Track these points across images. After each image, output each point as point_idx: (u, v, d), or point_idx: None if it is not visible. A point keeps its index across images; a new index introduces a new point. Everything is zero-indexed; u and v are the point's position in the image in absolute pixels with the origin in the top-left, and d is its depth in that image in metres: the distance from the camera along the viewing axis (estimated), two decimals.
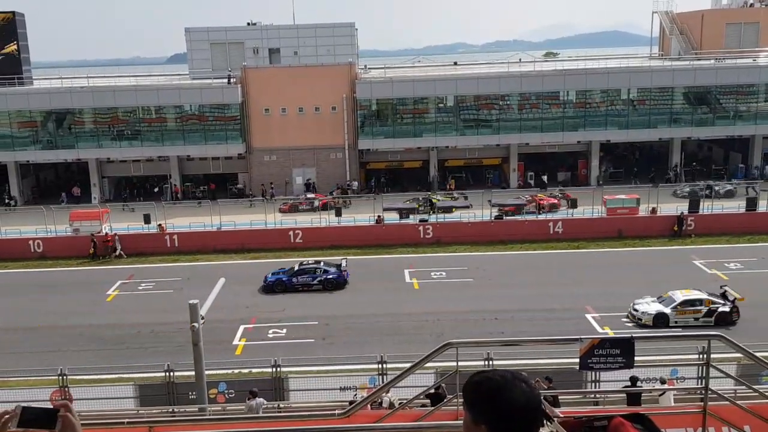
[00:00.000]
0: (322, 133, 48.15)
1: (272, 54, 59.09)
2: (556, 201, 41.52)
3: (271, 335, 25.59)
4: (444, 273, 32.14)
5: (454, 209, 40.49)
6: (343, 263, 31.26)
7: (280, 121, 48.34)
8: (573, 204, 40.45)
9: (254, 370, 20.55)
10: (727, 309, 24.69)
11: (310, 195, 45.38)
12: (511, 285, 30.23)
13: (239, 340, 25.16)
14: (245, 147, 48.53)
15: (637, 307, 25.46)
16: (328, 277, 30.22)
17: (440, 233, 37.32)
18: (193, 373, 15.48)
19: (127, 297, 30.78)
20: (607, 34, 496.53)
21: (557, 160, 51.23)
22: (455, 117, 48.45)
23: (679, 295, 25.40)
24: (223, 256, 36.02)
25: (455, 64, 58.81)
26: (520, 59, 56.17)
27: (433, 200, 42.13)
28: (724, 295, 25.31)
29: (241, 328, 26.19)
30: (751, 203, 37.81)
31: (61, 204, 46.03)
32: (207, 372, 15.51)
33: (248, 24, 61.32)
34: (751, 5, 59.65)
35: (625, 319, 25.65)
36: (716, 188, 41.31)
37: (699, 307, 24.84)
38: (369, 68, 54.88)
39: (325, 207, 42.26)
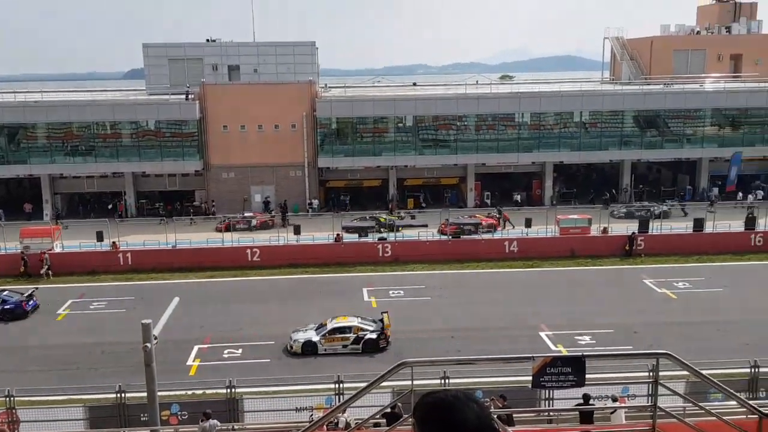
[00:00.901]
0: (282, 151, 48.05)
1: (232, 71, 58.81)
2: (494, 221, 42.15)
3: (226, 355, 25.27)
4: (402, 291, 32.28)
5: (401, 228, 40.69)
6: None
7: (239, 138, 48.09)
8: (510, 224, 41.45)
9: (208, 391, 20.25)
10: (374, 336, 24.86)
11: (248, 213, 44.94)
12: (467, 303, 30.52)
13: (193, 361, 24.77)
14: (203, 164, 48.07)
15: (292, 335, 25.30)
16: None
17: (399, 252, 37.50)
18: (145, 394, 15.20)
19: (78, 316, 30.04)
20: (561, 58, 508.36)
21: (513, 180, 52.11)
22: (414, 137, 48.95)
23: (333, 323, 25.42)
24: (178, 274, 35.48)
25: (414, 84, 59.48)
26: (477, 81, 57.13)
27: (381, 219, 42.37)
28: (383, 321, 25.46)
29: (196, 348, 25.79)
30: (698, 224, 39.04)
31: None
32: (160, 393, 15.23)
33: (207, 41, 60.99)
34: (698, 33, 62.10)
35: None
36: (653, 209, 42.67)
37: (347, 335, 24.95)
38: (329, 87, 55.15)
39: (264, 226, 42.03)
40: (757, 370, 19.54)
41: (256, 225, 42.78)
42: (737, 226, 39.44)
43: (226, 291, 33.14)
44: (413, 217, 43.35)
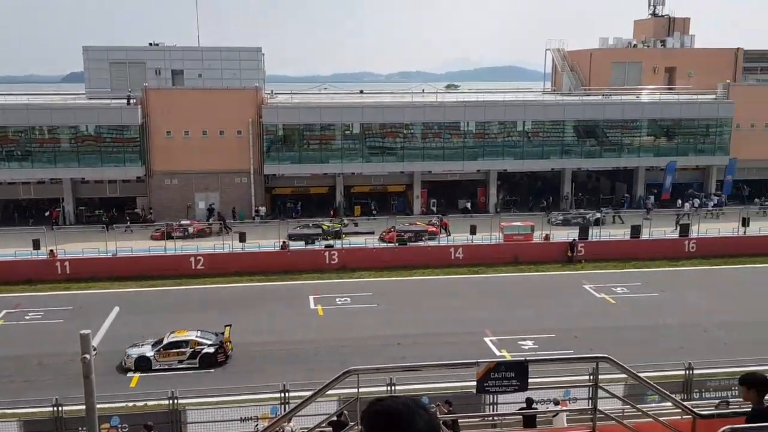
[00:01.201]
0: (227, 158, 47.43)
1: (175, 76, 57.89)
2: (435, 229, 42.49)
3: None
4: (349, 299, 32.26)
5: (344, 235, 40.65)
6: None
7: (182, 144, 47.24)
8: (448, 231, 41.93)
9: (150, 403, 19.80)
10: (212, 350, 24.38)
11: (185, 222, 44.03)
12: (414, 310, 30.74)
13: (134, 372, 24.15)
14: (145, 170, 47.02)
15: (128, 350, 24.32)
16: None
17: (346, 259, 37.49)
18: (83, 407, 14.73)
19: (13, 327, 28.90)
20: (504, 69, 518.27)
21: (459, 187, 52.80)
22: (361, 144, 49.07)
23: (169, 337, 24.72)
24: (118, 283, 34.57)
25: (361, 92, 59.67)
26: (423, 90, 57.76)
27: (324, 226, 42.31)
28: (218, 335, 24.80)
29: None
30: (636, 231, 40.35)
31: None
32: (99, 405, 14.74)
33: (150, 44, 59.90)
34: (635, 46, 64.35)
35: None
36: (588, 216, 44.00)
37: (184, 349, 24.28)
38: (275, 93, 54.76)
39: (201, 234, 41.33)
40: (691, 372, 20.29)
41: (193, 233, 41.87)
42: (672, 233, 40.92)
43: (169, 300, 32.48)
44: (356, 225, 43.41)
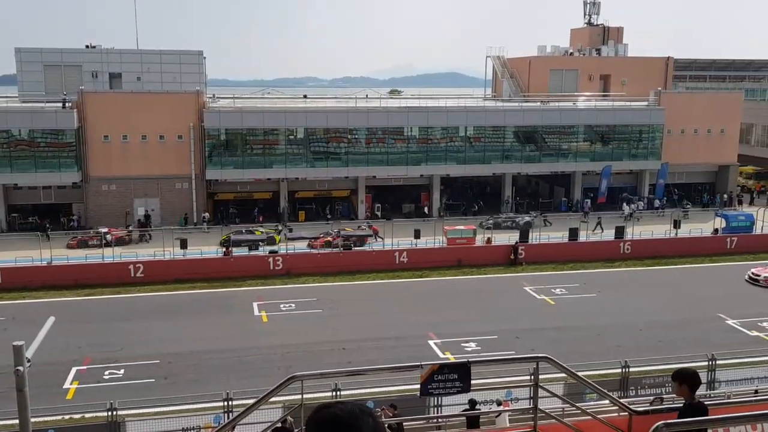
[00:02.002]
0: (167, 163, 46.48)
1: (113, 79, 56.47)
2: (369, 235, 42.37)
3: (107, 377, 24.05)
4: (293, 305, 32.06)
5: (280, 241, 40.26)
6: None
7: (120, 149, 46.05)
8: (376, 237, 42.06)
9: (87, 415, 19.24)
10: None
11: (103, 229, 42.63)
12: (358, 314, 30.80)
13: (71, 384, 23.40)
14: (81, 176, 45.60)
15: None
16: None
17: (290, 264, 37.24)
18: (17, 421, 14.21)
19: None
20: (446, 75, 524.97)
21: (403, 192, 53.17)
22: (305, 149, 48.87)
23: None
24: (54, 292, 33.42)
25: (305, 97, 59.42)
26: (366, 95, 57.93)
27: (257, 232, 41.89)
28: None
29: (74, 370, 24.38)
30: (573, 234, 41.47)
31: None
32: (33, 419, 14.27)
33: (87, 47, 58.27)
34: (571, 54, 66.22)
35: None
36: (517, 220, 44.98)
37: None
38: (217, 97, 54.00)
39: (119, 242, 40.12)
40: (627, 370, 20.99)
41: (111, 240, 40.58)
42: (608, 235, 42.21)
43: (107, 309, 31.60)
44: (290, 230, 42.93)
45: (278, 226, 44.22)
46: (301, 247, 39.93)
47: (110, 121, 45.45)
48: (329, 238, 40.58)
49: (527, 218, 46.58)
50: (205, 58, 60.08)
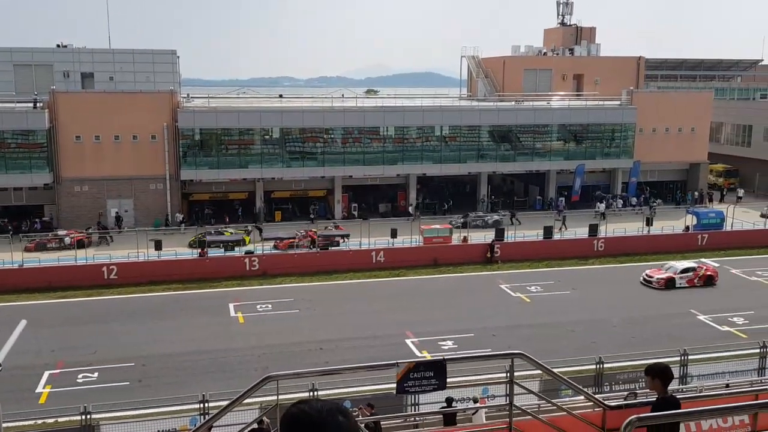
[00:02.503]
0: (141, 163, 45.96)
1: (85, 78, 55.76)
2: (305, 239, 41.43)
3: (80, 380, 23.75)
4: (270, 305, 31.93)
5: (249, 242, 39.74)
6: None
7: (93, 150, 45.43)
8: (347, 237, 41.54)
9: (61, 419, 18.96)
10: None
11: (61, 232, 41.72)
12: (335, 314, 30.78)
13: (44, 388, 23.06)
14: (53, 177, 44.91)
15: None
16: None
17: (267, 265, 37.07)
18: None
19: None
20: (422, 74, 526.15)
21: (379, 192, 53.21)
22: (281, 149, 48.66)
23: None
24: (25, 295, 32.90)
25: (280, 96, 59.18)
26: (342, 95, 57.88)
27: (226, 233, 41.45)
28: None
29: (46, 374, 24.03)
30: (548, 232, 41.86)
31: None
32: (5, 424, 14.11)
33: (58, 46, 57.46)
34: (545, 54, 66.78)
35: None
36: (486, 219, 45.22)
37: None
38: (192, 97, 53.54)
39: (80, 244, 39.35)
40: (601, 366, 21.28)
41: (71, 243, 39.66)
42: (582, 233, 42.67)
43: (80, 312, 31.19)
44: (261, 231, 42.56)
45: (248, 227, 43.80)
46: (268, 248, 39.55)
47: (82, 121, 44.83)
48: (295, 239, 40.09)
49: (496, 217, 46.91)
50: (178, 57, 59.58)
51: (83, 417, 17.53)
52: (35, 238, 40.54)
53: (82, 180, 45.48)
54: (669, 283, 34.60)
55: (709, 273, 35.39)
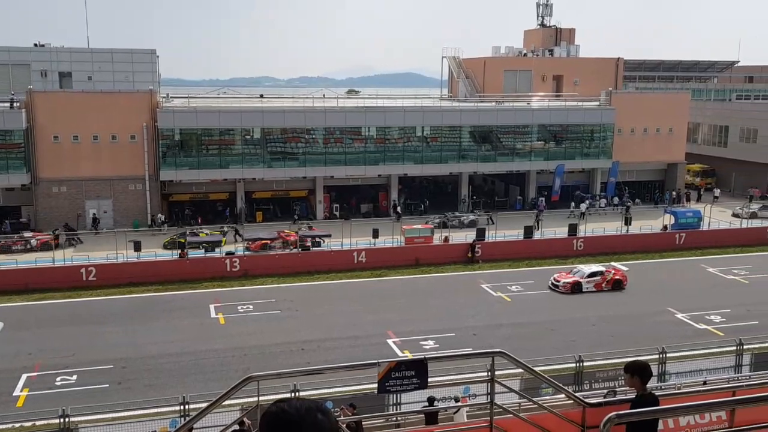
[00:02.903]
0: (120, 163, 45.52)
1: (63, 78, 55.16)
2: (295, 236, 40.63)
3: (59, 383, 23.47)
4: (251, 306, 31.79)
5: (210, 244, 39.19)
6: None
7: (71, 150, 44.91)
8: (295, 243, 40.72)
9: (38, 423, 18.73)
10: None
11: (27, 234, 41.09)
12: (317, 315, 30.72)
13: (21, 391, 22.77)
14: (30, 177, 44.31)
15: None
16: None
17: (248, 266, 36.91)
18: None
19: None
20: (403, 75, 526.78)
21: (361, 192, 53.20)
22: (262, 149, 48.45)
23: None
24: (2, 297, 32.41)
25: (261, 96, 58.93)
26: (324, 95, 57.78)
27: (201, 234, 40.90)
28: None
29: (24, 376, 23.72)
30: (528, 231, 42.12)
31: None
32: None
33: (36, 45, 56.77)
34: (525, 55, 67.20)
35: None
36: (462, 219, 45.33)
37: None
38: (171, 97, 53.13)
39: (46, 246, 38.64)
40: (581, 364, 21.45)
41: (36, 246, 38.99)
42: (562, 232, 42.98)
43: (58, 314, 30.81)
44: (237, 232, 42.22)
45: (224, 228, 43.41)
46: (239, 249, 39.15)
47: (60, 121, 44.31)
48: (267, 241, 39.52)
49: (472, 217, 47.09)
50: (158, 57, 59.14)
51: (62, 420, 17.33)
52: (1, 240, 39.86)
53: (60, 181, 44.96)
54: (575, 288, 33.65)
55: (617, 277, 34.39)
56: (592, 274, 34.29)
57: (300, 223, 44.78)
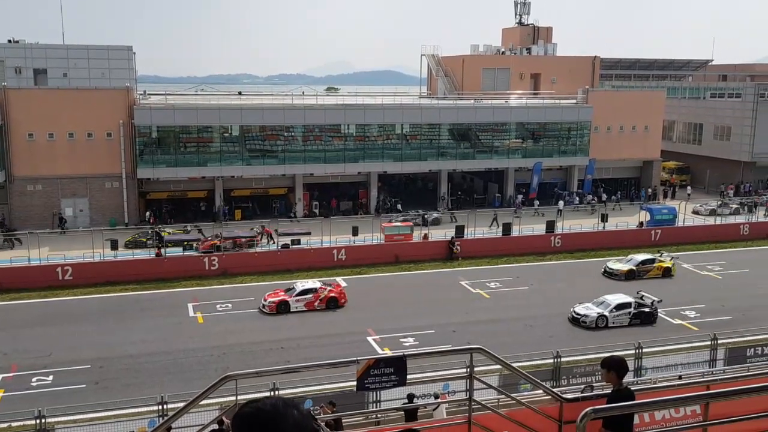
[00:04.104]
0: (96, 161, 44.98)
1: (38, 75, 54.39)
2: (256, 237, 40.22)
3: (35, 383, 23.19)
4: (230, 305, 31.64)
5: (185, 243, 38.62)
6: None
7: (46, 148, 44.29)
8: (270, 238, 40.56)
9: (14, 424, 18.55)
10: None
11: None
12: (297, 313, 30.58)
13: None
14: (5, 176, 43.61)
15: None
16: None
17: (227, 264, 36.71)
18: None
19: None
20: (383, 73, 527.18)
21: (340, 189, 53.13)
22: (241, 147, 48.18)
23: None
24: None
25: (240, 94, 58.60)
26: (303, 92, 57.62)
27: (164, 233, 40.39)
28: None
29: (0, 377, 23.42)
30: (507, 228, 42.39)
31: None
32: None
33: (9, 41, 55.88)
34: (503, 53, 67.53)
35: None
36: (425, 216, 45.51)
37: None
38: (148, 94, 52.61)
39: None
40: (559, 360, 21.67)
41: None
42: (540, 229, 43.33)
43: (34, 314, 30.42)
44: (200, 231, 41.78)
45: (187, 227, 42.82)
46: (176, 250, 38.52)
47: (35, 118, 43.66)
48: (216, 242, 38.30)
49: (435, 215, 47.20)
50: (134, 53, 58.52)
51: (38, 421, 17.16)
52: None
53: (36, 179, 44.33)
54: (281, 307, 30.25)
55: (332, 294, 31.19)
56: (304, 292, 30.87)
57: (280, 220, 44.57)
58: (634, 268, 36.15)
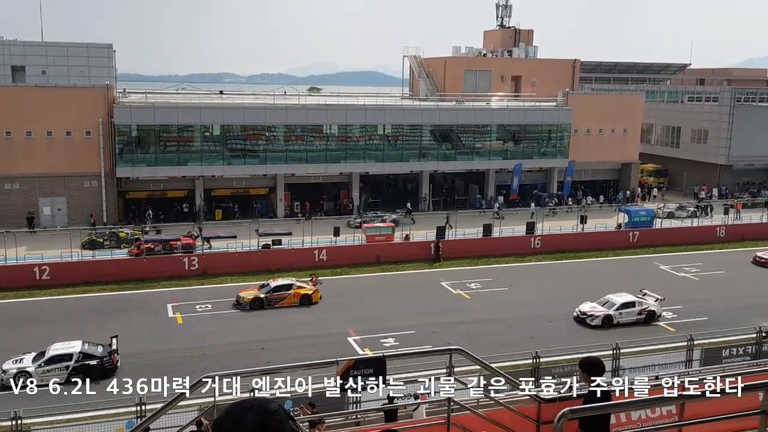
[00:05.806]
0: (75, 160, 44.49)
1: (16, 72, 53.73)
2: (192, 240, 38.66)
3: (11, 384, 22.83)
4: (210, 305, 31.48)
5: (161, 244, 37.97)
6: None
7: (24, 146, 43.73)
8: (206, 241, 39.17)
9: None
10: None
11: None
12: (277, 313, 30.52)
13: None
14: None
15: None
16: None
17: (206, 264, 36.51)
18: None
19: None
20: (365, 73, 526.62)
21: (322, 190, 53.05)
22: (222, 146, 47.91)
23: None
24: None
25: (221, 93, 58.25)
26: (285, 92, 57.43)
27: (121, 234, 39.87)
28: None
29: None
30: (487, 229, 42.59)
31: None
32: None
33: None
34: (484, 55, 67.86)
35: None
36: (384, 217, 45.40)
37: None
38: (128, 92, 52.14)
39: None
40: (538, 360, 21.84)
41: None
42: (520, 230, 43.60)
43: (10, 314, 30.05)
44: (158, 232, 41.29)
45: (144, 227, 42.20)
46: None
47: (13, 116, 43.10)
48: (149, 245, 37.20)
49: (393, 216, 47.19)
50: (114, 51, 58.02)
51: (13, 422, 16.94)
52: None
53: (13, 177, 43.75)
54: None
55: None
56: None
57: (261, 220, 44.37)
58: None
